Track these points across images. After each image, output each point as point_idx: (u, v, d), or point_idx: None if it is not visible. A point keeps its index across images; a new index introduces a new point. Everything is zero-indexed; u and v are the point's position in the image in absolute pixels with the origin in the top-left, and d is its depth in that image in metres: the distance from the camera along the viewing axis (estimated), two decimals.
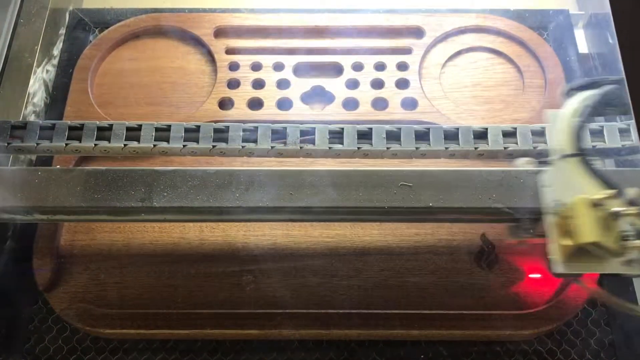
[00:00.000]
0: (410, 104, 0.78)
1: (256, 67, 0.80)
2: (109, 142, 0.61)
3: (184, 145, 0.61)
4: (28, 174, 0.59)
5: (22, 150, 0.62)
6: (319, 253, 0.69)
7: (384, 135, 0.62)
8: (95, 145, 0.61)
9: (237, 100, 0.78)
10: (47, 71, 0.81)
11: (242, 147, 0.61)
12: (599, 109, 0.53)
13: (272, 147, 0.61)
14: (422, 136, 0.62)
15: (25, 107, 0.76)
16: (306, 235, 0.70)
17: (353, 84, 0.79)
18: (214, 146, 0.61)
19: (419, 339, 0.66)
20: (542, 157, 0.56)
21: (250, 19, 0.84)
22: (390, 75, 0.79)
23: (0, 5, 0.78)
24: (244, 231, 0.70)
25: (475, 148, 0.61)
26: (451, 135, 0.62)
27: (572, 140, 0.51)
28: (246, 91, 0.78)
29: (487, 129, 0.62)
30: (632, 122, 0.59)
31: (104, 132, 0.62)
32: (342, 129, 0.62)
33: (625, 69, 0.52)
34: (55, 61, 0.83)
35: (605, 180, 0.50)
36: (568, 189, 0.51)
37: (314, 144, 0.61)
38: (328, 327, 0.65)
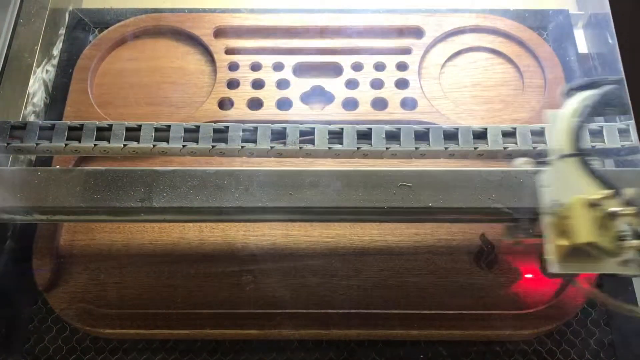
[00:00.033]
0: (409, 104, 0.78)
1: (256, 67, 0.80)
2: (109, 142, 0.61)
3: (183, 146, 0.61)
4: (28, 174, 0.59)
5: (21, 150, 0.62)
6: (319, 253, 0.69)
7: (384, 136, 0.62)
8: (95, 145, 0.61)
9: (236, 100, 0.78)
10: (47, 71, 0.81)
11: (242, 147, 0.61)
12: (598, 109, 0.53)
13: (271, 147, 0.61)
14: (421, 136, 0.62)
15: (25, 107, 0.76)
16: (306, 235, 0.70)
17: (353, 84, 0.79)
18: (213, 146, 0.61)
19: (418, 339, 0.66)
20: (541, 157, 0.56)
21: (250, 19, 0.84)
22: (389, 75, 0.79)
23: (0, 5, 0.78)
24: (244, 231, 0.70)
25: (475, 148, 0.61)
26: (451, 136, 0.62)
27: (571, 140, 0.51)
28: (246, 91, 0.78)
29: (486, 129, 0.62)
30: (632, 122, 0.59)
31: (103, 133, 0.62)
32: (342, 129, 0.62)
33: (624, 69, 0.52)
34: (55, 61, 0.83)
35: (603, 181, 0.50)
36: (566, 189, 0.51)
37: (313, 144, 0.61)
38: (328, 327, 0.65)
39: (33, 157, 0.76)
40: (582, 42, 0.85)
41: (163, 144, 0.61)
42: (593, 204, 0.49)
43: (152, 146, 0.61)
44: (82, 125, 0.62)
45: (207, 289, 0.67)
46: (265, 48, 0.82)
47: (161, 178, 0.58)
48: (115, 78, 0.81)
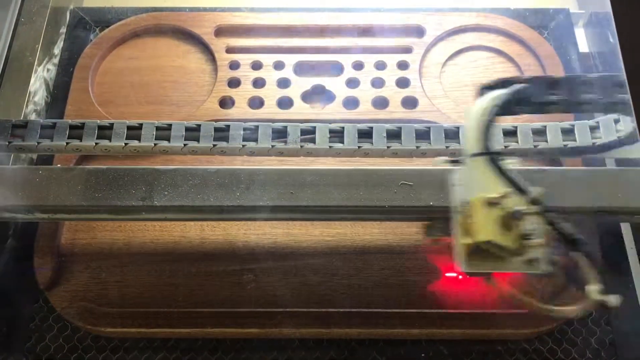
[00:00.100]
0: (410, 102, 0.78)
1: (257, 66, 0.80)
2: (110, 141, 0.61)
3: (184, 144, 0.61)
4: (29, 173, 0.59)
5: (23, 149, 0.62)
6: (320, 252, 0.69)
7: (385, 134, 0.62)
8: (96, 144, 0.61)
9: (237, 99, 0.78)
10: (48, 70, 0.81)
11: (243, 146, 0.61)
12: (508, 108, 0.52)
13: (272, 146, 0.61)
14: (422, 135, 0.62)
15: (26, 106, 0.76)
16: (307, 234, 0.70)
17: (353, 83, 0.79)
18: (214, 145, 0.61)
19: (419, 337, 0.66)
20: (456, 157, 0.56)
21: (251, 18, 0.84)
22: (390, 74, 0.79)
23: (1, 4, 0.78)
24: (245, 230, 0.70)
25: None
26: (452, 134, 0.62)
27: (480, 139, 0.51)
28: (247, 90, 0.79)
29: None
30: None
31: (104, 131, 0.62)
32: (343, 127, 0.62)
33: (625, 68, 0.52)
34: (56, 60, 0.83)
35: (509, 180, 0.50)
36: (474, 188, 0.51)
37: (314, 143, 0.61)
38: (328, 326, 0.65)
39: (34, 156, 0.76)
40: (582, 41, 0.85)
41: (164, 143, 0.61)
42: (492, 203, 0.49)
43: (153, 145, 0.61)
44: (84, 123, 0.62)
45: (208, 288, 0.67)
46: (266, 47, 0.82)
47: (162, 177, 0.58)
48: (116, 77, 0.81)
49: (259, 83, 0.79)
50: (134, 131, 0.62)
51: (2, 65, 0.76)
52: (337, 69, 0.81)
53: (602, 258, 0.67)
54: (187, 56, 0.83)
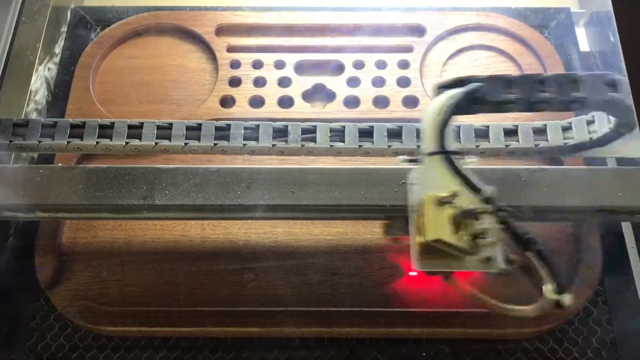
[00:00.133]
0: (411, 102, 0.78)
1: (257, 65, 0.80)
2: (111, 140, 0.61)
3: (185, 143, 0.61)
4: (30, 172, 0.59)
5: (24, 148, 0.62)
6: (320, 251, 0.69)
7: (385, 133, 0.62)
8: (97, 143, 0.61)
9: (238, 98, 0.78)
10: (49, 69, 0.81)
11: (244, 145, 0.61)
12: (462, 107, 0.52)
13: (273, 145, 0.61)
14: None
15: (27, 105, 0.76)
16: (307, 233, 0.70)
17: (354, 82, 0.79)
18: (215, 144, 0.61)
19: (420, 337, 0.66)
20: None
21: (252, 17, 0.84)
22: (391, 73, 0.79)
23: (2, 4, 0.78)
24: (246, 229, 0.70)
25: (477, 146, 0.61)
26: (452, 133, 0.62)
27: (436, 138, 0.51)
28: (247, 89, 0.79)
29: (488, 127, 0.62)
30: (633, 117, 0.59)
31: (105, 130, 0.62)
32: (344, 127, 0.62)
33: (626, 67, 0.52)
34: (57, 59, 0.83)
35: (463, 178, 0.50)
36: (429, 187, 0.50)
37: (315, 142, 0.61)
38: (329, 325, 0.65)
39: (35, 155, 0.76)
40: (583, 40, 0.85)
41: (165, 142, 0.61)
42: (442, 202, 0.49)
43: (154, 144, 0.61)
44: (84, 122, 0.62)
45: (208, 287, 0.67)
46: (266, 46, 0.82)
47: (163, 176, 0.58)
48: (117, 76, 0.81)
49: (259, 82, 0.79)
50: (135, 130, 0.62)
51: (3, 64, 0.76)
52: (338, 68, 0.80)
53: (603, 257, 0.67)
54: (188, 55, 0.83)
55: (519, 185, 0.57)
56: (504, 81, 0.52)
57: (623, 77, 0.52)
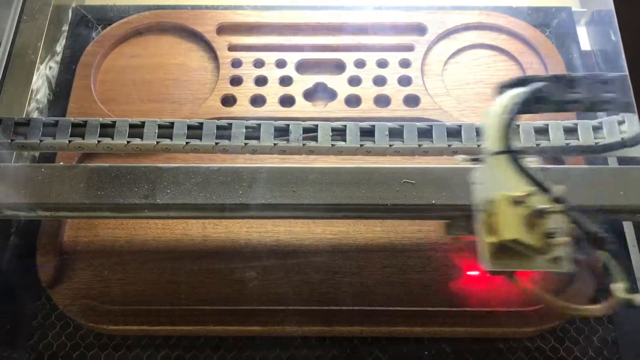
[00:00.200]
0: (412, 101, 0.78)
1: (259, 64, 0.80)
2: (112, 139, 0.61)
3: (187, 142, 0.61)
4: (31, 171, 0.60)
5: (25, 147, 0.62)
6: (322, 250, 0.69)
7: (387, 133, 0.62)
8: (99, 142, 0.61)
9: (239, 97, 0.78)
10: (50, 68, 0.81)
11: (245, 144, 0.61)
12: (527, 106, 0.52)
13: (274, 144, 0.61)
14: (424, 133, 0.62)
15: (29, 104, 0.76)
16: (309, 232, 0.70)
17: (355, 81, 0.79)
18: (216, 143, 0.61)
19: (421, 336, 0.66)
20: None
21: (253, 16, 0.84)
22: (392, 72, 0.79)
23: (4, 2, 0.78)
24: (247, 228, 0.70)
25: (478, 145, 0.61)
26: (454, 133, 0.62)
27: (501, 137, 0.51)
28: (249, 88, 0.79)
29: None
30: (635, 116, 0.59)
31: (107, 129, 0.62)
32: (345, 126, 0.62)
33: (628, 66, 0.52)
34: (58, 58, 0.83)
35: (532, 178, 0.50)
36: (497, 187, 0.51)
37: (316, 141, 0.61)
38: (331, 324, 0.65)
39: (37, 154, 0.76)
40: (585, 40, 0.85)
41: (166, 141, 0.61)
42: (517, 201, 0.49)
43: (155, 143, 0.61)
44: (86, 121, 0.62)
45: (210, 286, 0.67)
46: (268, 45, 0.82)
47: (165, 175, 0.58)
48: (118, 75, 0.81)
49: (261, 81, 0.79)
50: (136, 129, 0.62)
51: (4, 63, 0.76)
52: (339, 67, 0.80)
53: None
54: (189, 54, 0.83)
55: None
56: (567, 81, 0.53)
57: None
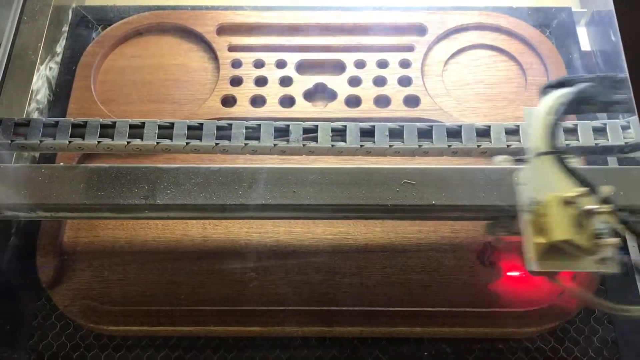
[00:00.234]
0: (412, 101, 0.78)
1: (259, 64, 0.80)
2: (112, 139, 0.61)
3: (187, 143, 0.61)
4: (31, 172, 0.60)
5: (25, 147, 0.62)
6: (322, 250, 0.69)
7: (387, 133, 0.62)
8: (99, 142, 0.61)
9: (239, 97, 0.78)
10: (50, 68, 0.81)
11: (245, 144, 0.61)
12: (573, 106, 0.52)
13: (274, 145, 0.61)
14: (424, 134, 0.62)
15: (29, 105, 0.77)
16: (309, 232, 0.70)
17: (355, 82, 0.79)
18: (216, 144, 0.61)
19: (422, 336, 0.66)
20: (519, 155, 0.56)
21: (253, 17, 0.84)
22: (392, 73, 0.79)
23: (4, 3, 0.78)
24: (247, 228, 0.70)
25: (478, 146, 0.61)
26: (454, 133, 0.62)
27: (547, 138, 0.51)
28: (249, 88, 0.79)
29: (489, 126, 0.62)
30: (634, 118, 0.59)
31: (107, 130, 0.62)
32: (345, 126, 0.62)
33: (628, 67, 0.52)
34: (58, 58, 0.83)
35: (579, 178, 0.50)
36: (543, 187, 0.51)
37: (316, 141, 0.61)
38: (331, 325, 0.65)
39: (37, 155, 0.76)
40: (585, 40, 0.85)
41: (166, 142, 0.61)
42: (568, 202, 0.49)
43: (155, 143, 0.61)
44: (86, 122, 0.62)
45: (210, 286, 0.67)
46: (268, 45, 0.82)
47: (165, 175, 0.58)
48: (118, 75, 0.81)
49: (261, 81, 0.79)
50: (137, 130, 0.62)
51: (4, 63, 0.76)
52: (339, 67, 0.81)
53: None
54: (190, 54, 0.83)
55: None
56: (612, 81, 0.52)
57: None
